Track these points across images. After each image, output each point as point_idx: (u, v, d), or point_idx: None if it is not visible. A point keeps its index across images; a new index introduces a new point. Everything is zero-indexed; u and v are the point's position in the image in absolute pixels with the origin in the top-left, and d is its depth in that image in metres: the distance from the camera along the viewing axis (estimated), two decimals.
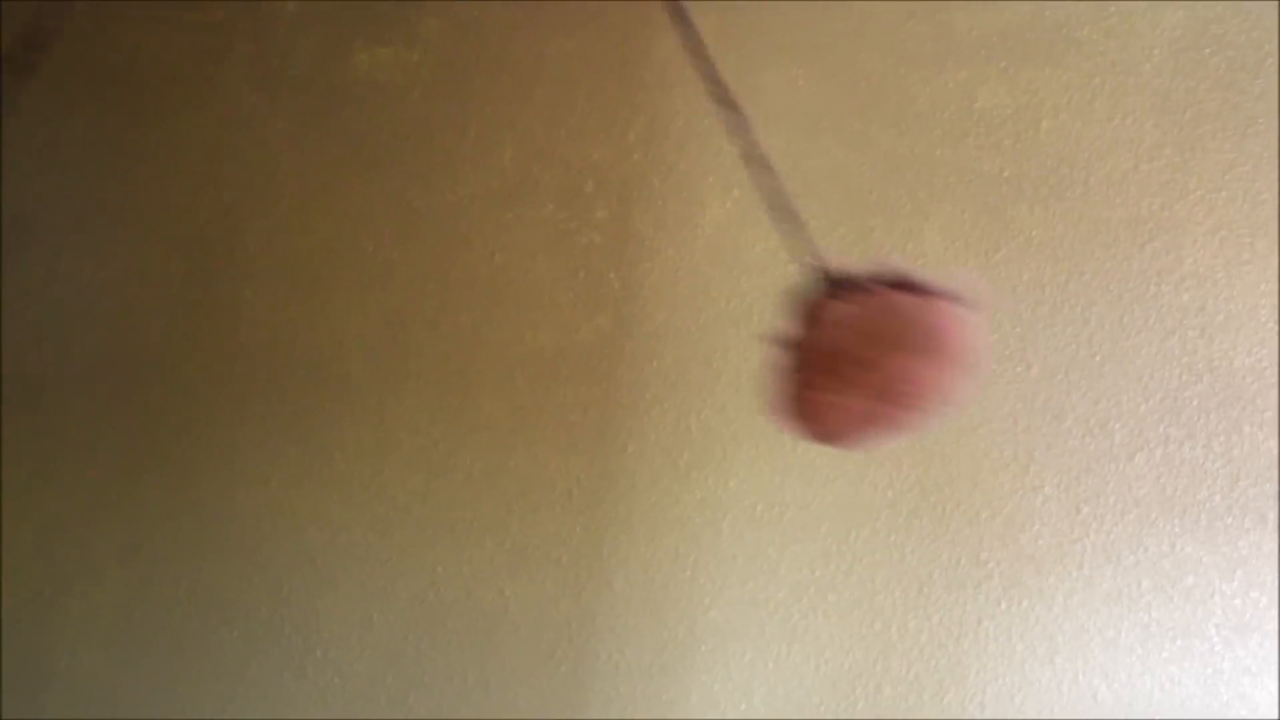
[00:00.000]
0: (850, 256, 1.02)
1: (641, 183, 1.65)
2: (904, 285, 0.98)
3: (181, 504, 1.72)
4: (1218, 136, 1.57)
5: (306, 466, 1.70)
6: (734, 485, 1.63)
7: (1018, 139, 1.60)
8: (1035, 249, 1.60)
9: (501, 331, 1.67)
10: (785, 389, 1.01)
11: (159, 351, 1.73)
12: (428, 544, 1.68)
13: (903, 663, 1.61)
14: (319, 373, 1.70)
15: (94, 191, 1.75)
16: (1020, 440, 1.59)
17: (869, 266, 1.00)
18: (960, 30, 1.61)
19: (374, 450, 1.69)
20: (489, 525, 1.67)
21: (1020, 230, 1.60)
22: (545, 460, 1.66)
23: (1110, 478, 1.58)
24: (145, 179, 1.74)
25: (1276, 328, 1.55)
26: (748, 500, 1.63)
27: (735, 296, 1.64)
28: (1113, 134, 1.59)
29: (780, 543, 1.62)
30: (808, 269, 1.00)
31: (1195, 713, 1.55)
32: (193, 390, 1.73)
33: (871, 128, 1.62)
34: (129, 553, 1.73)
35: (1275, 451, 1.54)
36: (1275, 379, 1.55)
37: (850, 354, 0.96)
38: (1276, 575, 1.54)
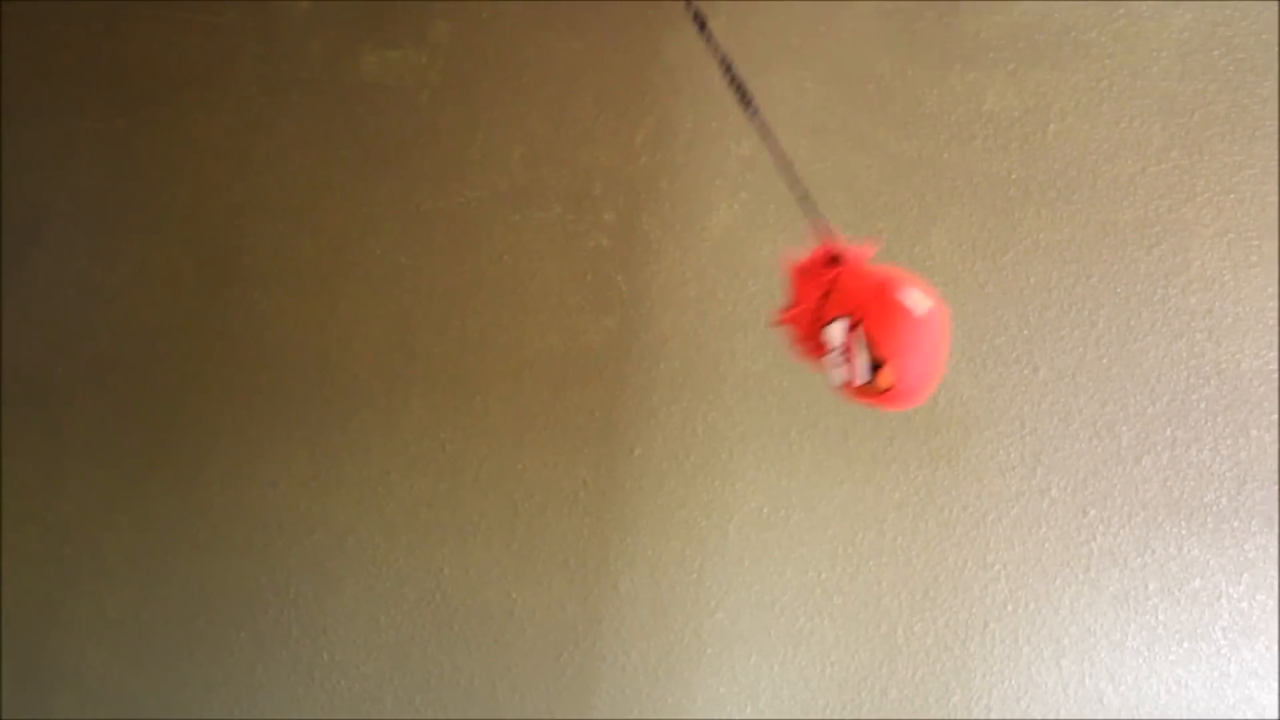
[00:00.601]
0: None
1: (649, 186, 1.65)
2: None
3: (190, 506, 1.73)
4: (1225, 139, 1.57)
5: (314, 469, 1.70)
6: (740, 488, 1.63)
7: (1025, 141, 1.60)
8: (1043, 251, 1.59)
9: (509, 334, 1.67)
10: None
11: (167, 354, 1.74)
12: (435, 546, 1.68)
13: (909, 665, 1.61)
14: (327, 375, 1.70)
15: (103, 193, 1.75)
16: (1027, 442, 1.59)
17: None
18: (968, 33, 1.61)
19: (381, 453, 1.69)
20: (496, 528, 1.67)
21: (1028, 232, 1.60)
22: (552, 463, 1.66)
23: (1117, 480, 1.58)
24: (154, 180, 1.75)
25: None
26: (754, 503, 1.63)
27: (742, 300, 1.64)
28: (1120, 136, 1.59)
29: (786, 545, 1.62)
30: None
31: (1201, 715, 1.55)
32: (201, 393, 1.73)
33: (879, 129, 1.62)
34: (137, 555, 1.74)
35: None
36: None
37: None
38: None
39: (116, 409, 1.74)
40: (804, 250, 1.03)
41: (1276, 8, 1.56)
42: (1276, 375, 1.55)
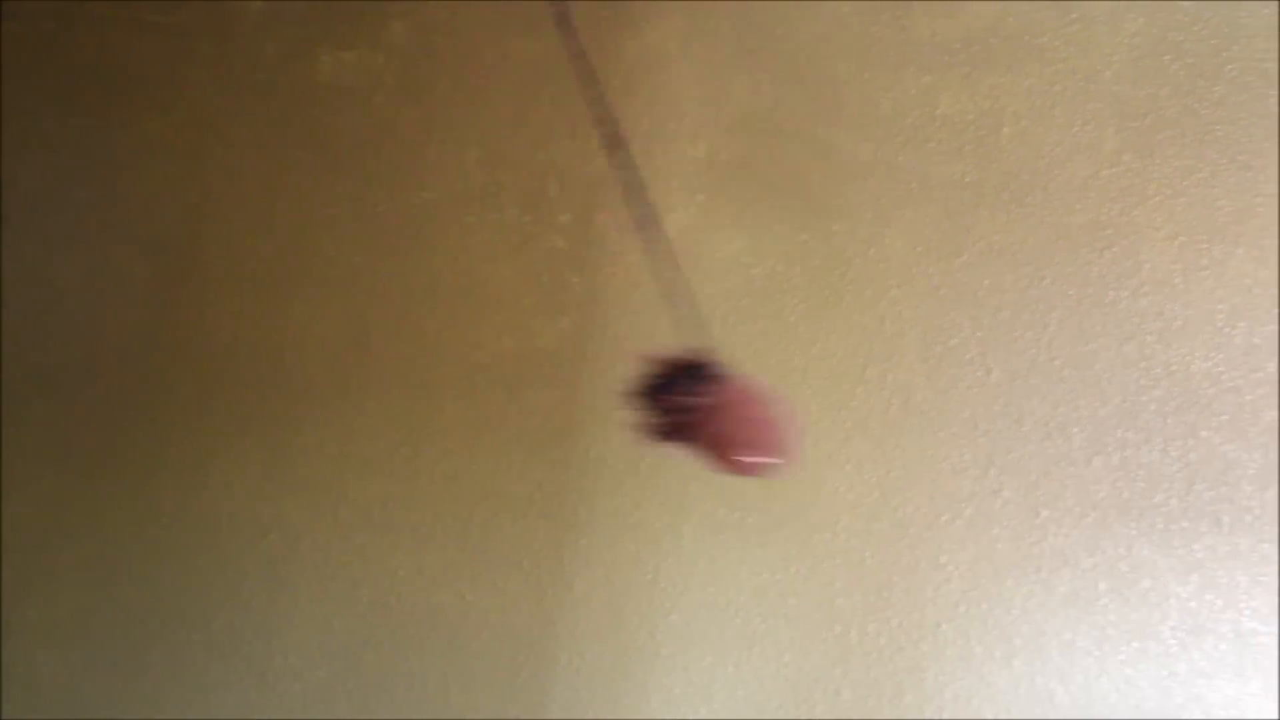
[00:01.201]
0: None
1: (605, 187, 1.65)
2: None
3: (142, 509, 1.72)
4: (1176, 143, 1.58)
5: (268, 471, 1.70)
6: (695, 489, 1.63)
7: (979, 145, 1.61)
8: (996, 254, 1.60)
9: (464, 335, 1.67)
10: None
11: (120, 355, 1.73)
12: (389, 548, 1.68)
13: (862, 665, 1.62)
14: (281, 377, 1.70)
15: (55, 194, 1.74)
16: (979, 444, 1.60)
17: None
18: (923, 36, 1.62)
19: (335, 455, 1.69)
20: (450, 530, 1.67)
21: (981, 236, 1.61)
22: (507, 464, 1.66)
23: (1068, 481, 1.59)
24: (108, 181, 1.73)
25: (1233, 332, 1.56)
26: (709, 504, 1.63)
27: (699, 301, 1.64)
28: (1073, 140, 1.60)
29: (741, 547, 1.63)
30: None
31: (1150, 714, 1.57)
32: (154, 394, 1.72)
33: (835, 133, 1.63)
34: (89, 557, 1.73)
35: (1230, 456, 1.56)
36: (1231, 383, 1.56)
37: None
38: (1231, 578, 1.56)
39: (69, 410, 1.73)
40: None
41: (1227, 12, 1.58)
42: (1226, 376, 1.56)
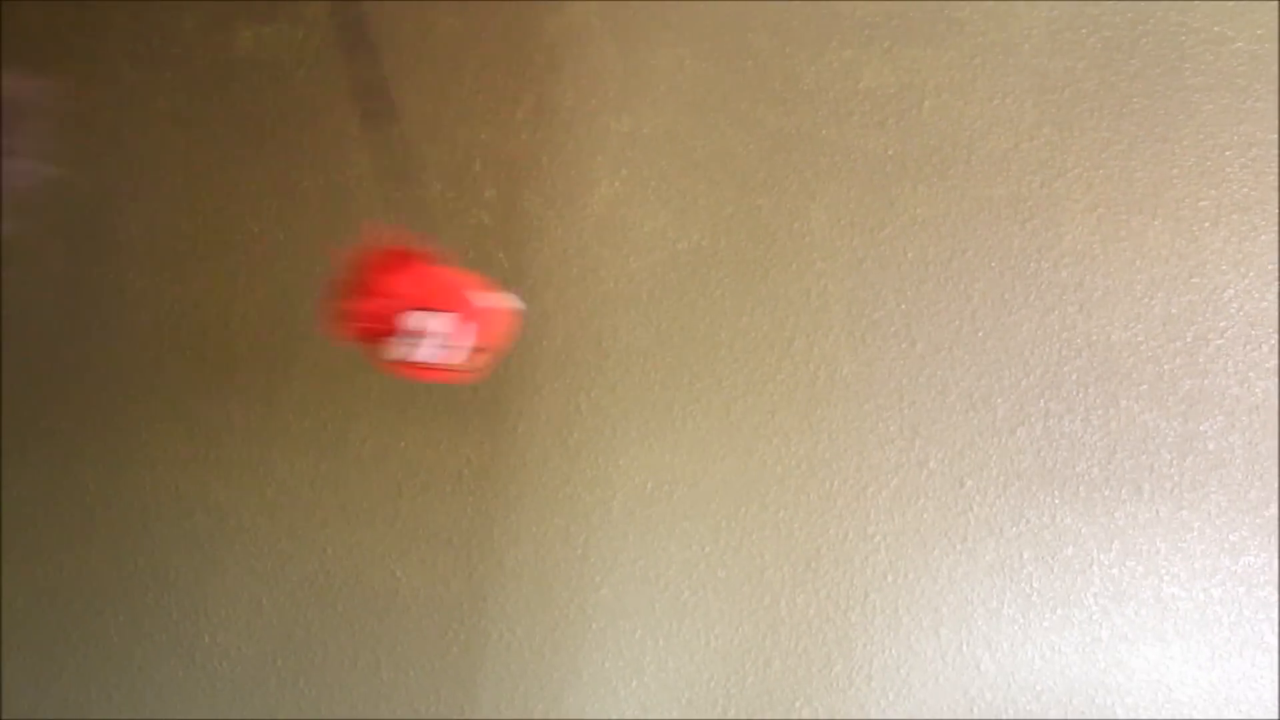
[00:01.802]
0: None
1: (530, 162, 1.65)
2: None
3: (65, 488, 1.70)
4: (1094, 115, 1.60)
5: (193, 449, 1.69)
6: (624, 464, 1.64)
7: (901, 118, 1.62)
8: (919, 227, 1.62)
9: None
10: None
11: (38, 335, 1.71)
12: (317, 526, 1.67)
13: (791, 636, 1.63)
14: (205, 355, 1.68)
15: None
16: (905, 415, 1.62)
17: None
18: (845, 10, 1.63)
19: (261, 432, 1.68)
20: (379, 507, 1.66)
21: (905, 208, 1.62)
22: (435, 441, 1.66)
23: (993, 452, 1.61)
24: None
25: (1151, 303, 1.58)
26: (637, 478, 1.64)
27: (624, 276, 1.64)
28: (993, 113, 1.61)
29: (670, 520, 1.64)
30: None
31: (1075, 679, 1.59)
32: (74, 373, 1.70)
33: (759, 107, 1.63)
34: (9, 538, 1.71)
35: (1150, 424, 1.58)
36: (1150, 353, 1.58)
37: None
38: (1152, 545, 1.58)
39: None
40: (371, 246, 1.13)
41: None
42: (1145, 346, 1.58)
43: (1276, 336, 1.56)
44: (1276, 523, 1.56)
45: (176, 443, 1.69)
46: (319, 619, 1.67)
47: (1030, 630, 1.60)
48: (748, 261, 1.63)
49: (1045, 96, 1.61)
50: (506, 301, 1.14)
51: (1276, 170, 1.57)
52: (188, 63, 1.68)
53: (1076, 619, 1.60)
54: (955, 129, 1.62)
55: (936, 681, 1.61)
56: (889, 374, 1.62)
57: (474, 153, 1.66)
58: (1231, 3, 1.56)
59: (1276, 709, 1.57)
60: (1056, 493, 1.60)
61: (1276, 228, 1.57)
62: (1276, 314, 1.56)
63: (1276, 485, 1.56)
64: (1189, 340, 1.58)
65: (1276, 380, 1.56)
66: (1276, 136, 1.57)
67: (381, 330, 1.09)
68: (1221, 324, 1.57)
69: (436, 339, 1.08)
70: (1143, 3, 1.59)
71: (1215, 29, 1.58)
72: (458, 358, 1.10)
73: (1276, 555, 1.56)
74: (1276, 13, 1.58)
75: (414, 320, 1.08)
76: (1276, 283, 1.56)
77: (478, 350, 1.10)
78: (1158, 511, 1.58)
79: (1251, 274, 1.57)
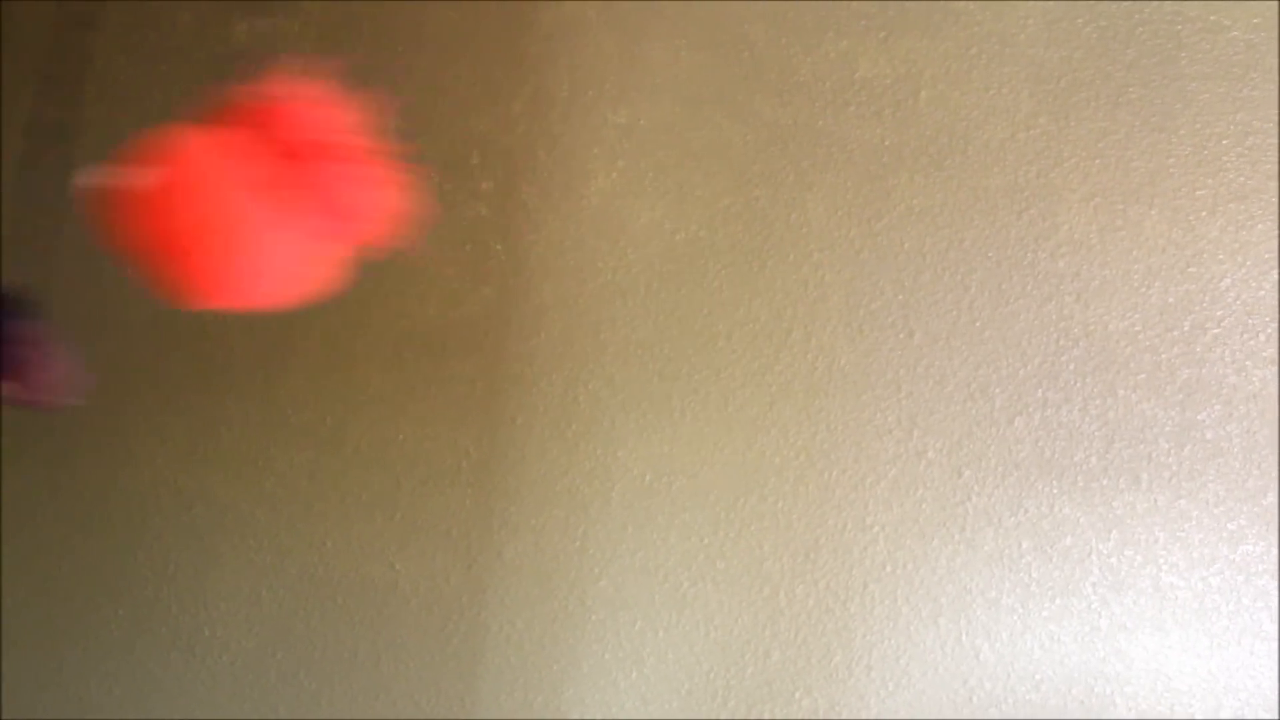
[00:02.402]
0: None
1: (527, 154, 1.65)
2: None
3: (64, 482, 1.70)
4: (1090, 105, 1.60)
5: (192, 443, 1.69)
6: (622, 455, 1.64)
7: (898, 108, 1.62)
8: (916, 217, 1.62)
9: (387, 305, 1.66)
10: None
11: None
12: (316, 519, 1.67)
13: (791, 627, 1.63)
14: (203, 348, 1.68)
15: None
16: (903, 406, 1.62)
17: None
18: (840, 1, 1.63)
19: (260, 426, 1.68)
20: (378, 499, 1.66)
21: (901, 199, 1.62)
22: (433, 434, 1.66)
23: (991, 441, 1.61)
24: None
25: (1148, 292, 1.59)
26: (636, 470, 1.64)
27: (621, 267, 1.64)
28: (990, 103, 1.61)
29: (669, 512, 1.64)
30: None
31: (1074, 668, 1.60)
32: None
33: (755, 98, 1.63)
34: (9, 532, 1.71)
35: (1148, 413, 1.58)
36: (1148, 342, 1.58)
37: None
38: (1150, 534, 1.58)
39: None
40: None
41: None
42: (1142, 335, 1.58)
43: (1274, 325, 1.56)
44: (1275, 511, 1.56)
45: (175, 437, 1.69)
46: (318, 612, 1.67)
47: (1029, 620, 1.60)
48: (745, 253, 1.63)
49: (1042, 86, 1.61)
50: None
51: (1274, 159, 1.57)
52: (184, 56, 1.68)
53: (1075, 608, 1.60)
54: (952, 119, 1.62)
55: (936, 671, 1.61)
56: (887, 364, 1.62)
57: (471, 145, 1.66)
58: None
59: (1276, 698, 1.57)
60: (1055, 482, 1.60)
61: (1274, 216, 1.57)
62: (1274, 302, 1.56)
63: (1275, 474, 1.56)
64: (1186, 329, 1.58)
65: (1274, 369, 1.56)
66: (1274, 125, 1.57)
67: None
68: (1219, 313, 1.57)
69: None
70: None
71: (1211, 18, 1.58)
72: None
73: (1275, 544, 1.56)
74: (1274, 1, 1.58)
75: None
76: (1274, 271, 1.57)
77: None
78: (1156, 501, 1.58)
79: (1249, 263, 1.57)
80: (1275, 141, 1.57)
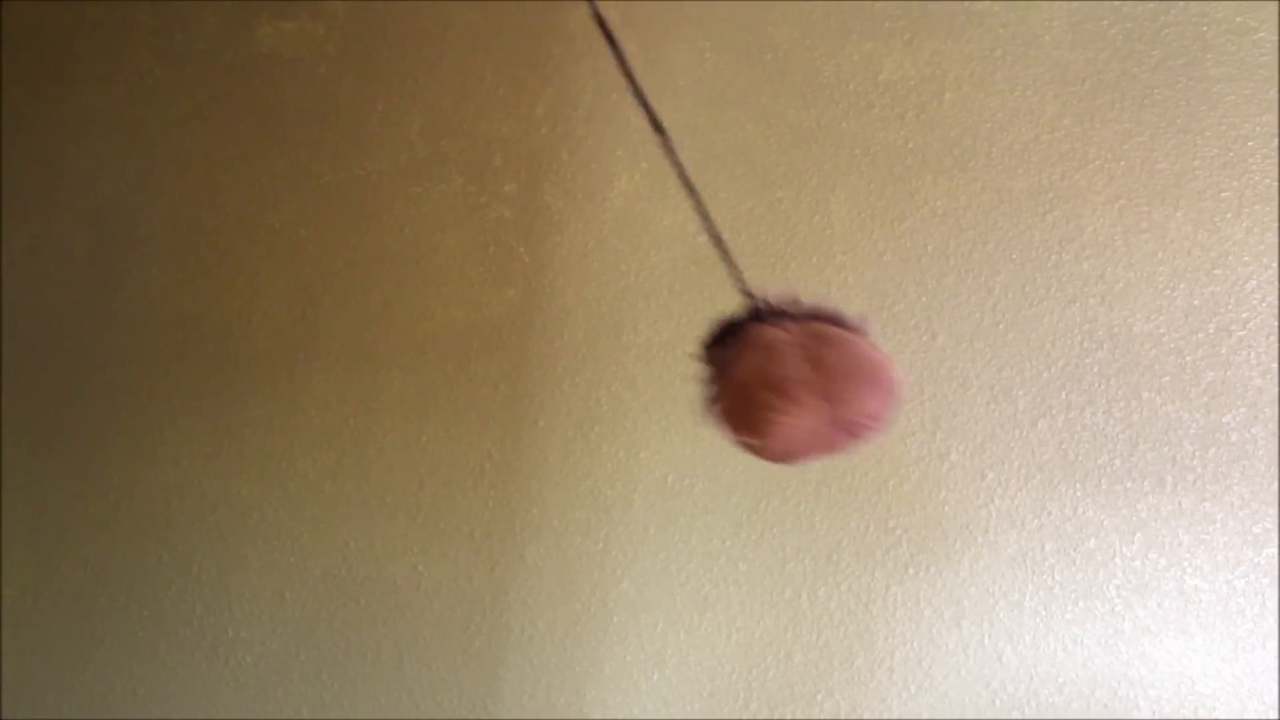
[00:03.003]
0: (775, 287, 1.03)
1: (550, 156, 1.65)
2: (822, 317, 1.01)
3: (89, 484, 1.71)
4: (1115, 107, 1.60)
5: (215, 444, 1.69)
6: (644, 457, 1.64)
7: (922, 110, 1.62)
8: (939, 219, 1.62)
9: (411, 307, 1.66)
10: (736, 408, 1.03)
11: (63, 330, 1.71)
12: (339, 520, 1.68)
13: (813, 630, 1.63)
14: (227, 350, 1.69)
15: None
16: (926, 408, 1.61)
17: (791, 297, 1.03)
18: (865, 3, 1.63)
19: (284, 427, 1.68)
20: (401, 501, 1.67)
21: (925, 201, 1.62)
22: (457, 435, 1.66)
23: (1014, 444, 1.60)
24: (47, 155, 1.72)
25: (1173, 294, 1.58)
26: (658, 472, 1.64)
27: (644, 269, 1.64)
28: (1014, 105, 1.61)
29: (691, 514, 1.64)
30: (740, 296, 1.03)
31: (1097, 671, 1.59)
32: (98, 368, 1.71)
33: (778, 100, 1.63)
34: (36, 534, 1.71)
35: (1172, 416, 1.58)
36: (1173, 345, 1.58)
37: (799, 378, 0.98)
38: (1175, 537, 1.58)
39: (11, 386, 1.72)
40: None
41: None
42: (1167, 338, 1.58)
43: None
44: None
45: (199, 438, 1.69)
46: (341, 613, 1.68)
47: (1052, 623, 1.60)
48: (768, 254, 1.63)
49: (1066, 88, 1.61)
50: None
51: None
52: (210, 59, 1.69)
53: (1099, 611, 1.59)
54: (976, 121, 1.62)
55: (958, 674, 1.61)
56: (910, 366, 1.62)
57: (494, 147, 1.66)
58: None
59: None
60: (1079, 485, 1.59)
61: None
62: None
63: None
64: (1211, 332, 1.57)
65: None
66: None
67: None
68: (1244, 315, 1.57)
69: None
70: None
71: (1237, 19, 1.58)
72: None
73: None
74: None
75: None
76: None
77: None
78: (1180, 504, 1.57)
79: (1274, 265, 1.57)
80: None
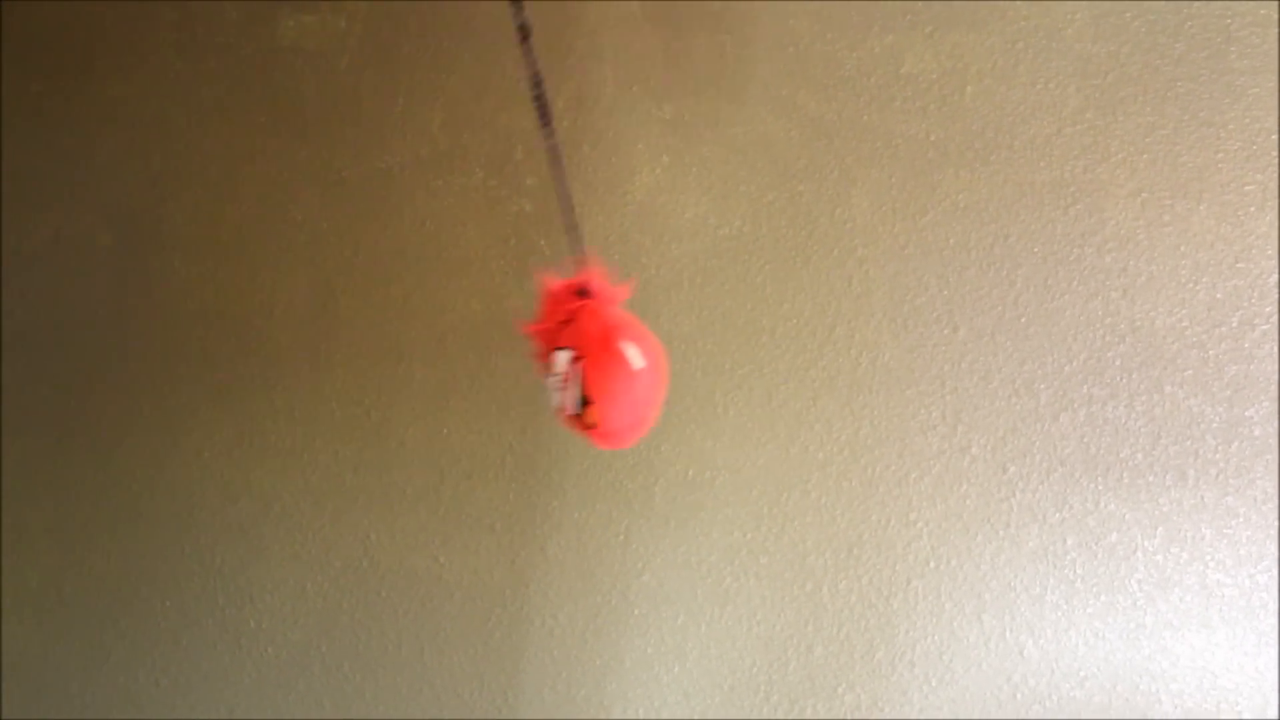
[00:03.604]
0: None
1: (571, 150, 1.65)
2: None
3: (112, 476, 1.71)
4: (1138, 100, 1.59)
5: (237, 437, 1.70)
6: (665, 450, 1.64)
7: (943, 103, 1.61)
8: (961, 212, 1.61)
9: (432, 300, 1.67)
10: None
11: (86, 323, 1.72)
12: (361, 512, 1.68)
13: (834, 622, 1.63)
14: (249, 342, 1.69)
15: (16, 161, 1.73)
16: (948, 401, 1.61)
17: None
18: None
19: (305, 420, 1.69)
20: (422, 493, 1.67)
21: (946, 194, 1.61)
22: (478, 428, 1.66)
23: (1036, 437, 1.60)
24: (69, 148, 1.72)
25: (1196, 288, 1.57)
26: (679, 465, 1.64)
27: (665, 263, 1.64)
28: (1036, 98, 1.60)
29: (712, 506, 1.64)
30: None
31: (1119, 666, 1.59)
32: (121, 361, 1.71)
33: (799, 93, 1.63)
34: (59, 525, 1.72)
35: (1194, 410, 1.57)
36: (1195, 338, 1.57)
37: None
38: (1197, 531, 1.57)
39: (35, 379, 1.73)
40: (562, 275, 1.10)
41: None
42: (1189, 332, 1.57)
43: None
44: None
45: (221, 430, 1.70)
46: (363, 604, 1.68)
47: (1074, 616, 1.60)
48: (789, 248, 1.63)
49: (1088, 81, 1.60)
50: (632, 358, 1.06)
51: None
52: (231, 52, 1.69)
53: (1121, 605, 1.59)
54: (998, 114, 1.61)
55: (979, 667, 1.61)
56: (931, 360, 1.61)
57: (515, 140, 1.66)
58: None
59: None
60: (1100, 479, 1.59)
61: None
62: None
63: None
64: (1234, 325, 1.57)
65: None
66: None
67: (542, 366, 1.07)
68: (1267, 309, 1.56)
69: (556, 379, 1.05)
70: None
71: (1261, 12, 1.57)
72: (570, 402, 1.06)
73: None
74: None
75: (554, 360, 1.06)
76: None
77: (587, 400, 1.05)
78: (1203, 497, 1.57)
79: None
80: None
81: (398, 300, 1.67)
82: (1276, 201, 1.56)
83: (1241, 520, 1.56)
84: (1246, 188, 1.57)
